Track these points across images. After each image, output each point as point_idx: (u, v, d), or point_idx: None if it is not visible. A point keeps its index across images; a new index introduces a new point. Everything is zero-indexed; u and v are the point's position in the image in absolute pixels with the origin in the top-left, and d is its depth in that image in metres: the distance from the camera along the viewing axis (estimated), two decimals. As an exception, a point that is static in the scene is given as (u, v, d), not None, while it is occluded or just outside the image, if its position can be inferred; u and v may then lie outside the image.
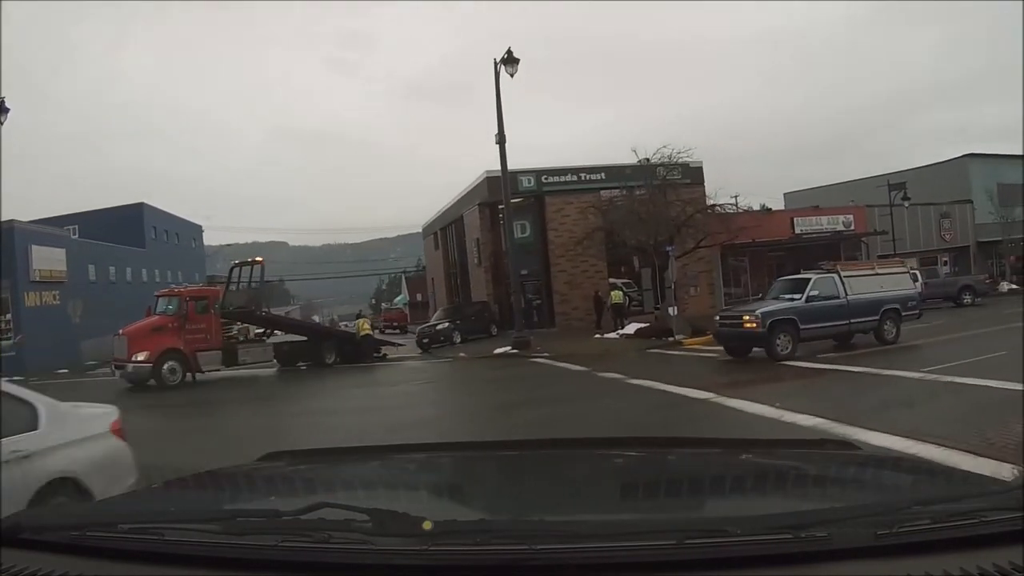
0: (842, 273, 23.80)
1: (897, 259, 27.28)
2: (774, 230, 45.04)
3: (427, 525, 1.99)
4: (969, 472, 3.33)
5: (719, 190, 38.83)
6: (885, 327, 23.79)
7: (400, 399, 21.12)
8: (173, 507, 2.76)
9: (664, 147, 36.85)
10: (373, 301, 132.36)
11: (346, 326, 43.17)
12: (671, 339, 30.56)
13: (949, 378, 15.35)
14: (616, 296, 38.29)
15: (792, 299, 22.94)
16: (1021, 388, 12.55)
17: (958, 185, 57.12)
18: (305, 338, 34.00)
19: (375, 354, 34.85)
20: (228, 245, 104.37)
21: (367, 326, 36.55)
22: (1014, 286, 51.00)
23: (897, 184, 51.09)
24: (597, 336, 34.62)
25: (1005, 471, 6.70)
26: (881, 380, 16.91)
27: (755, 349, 22.79)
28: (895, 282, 24.74)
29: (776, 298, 23.90)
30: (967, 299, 41.37)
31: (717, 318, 24.91)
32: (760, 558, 1.88)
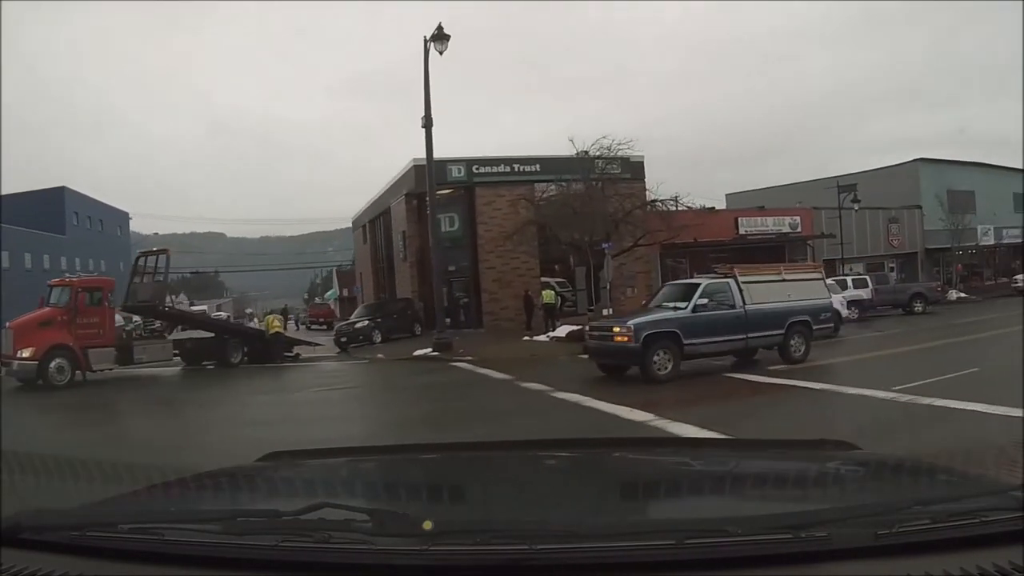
0: (740, 278, 20.44)
1: (811, 263, 23.81)
2: (717, 230, 42.96)
3: (427, 525, 2.00)
4: (969, 472, 2.94)
5: (660, 184, 36.45)
6: (792, 343, 20.62)
7: (294, 411, 18.58)
8: (173, 507, 2.78)
9: (603, 138, 34.74)
10: (306, 296, 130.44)
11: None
12: (605, 343, 28.24)
13: (928, 400, 13.40)
14: (548, 296, 36.19)
15: (677, 308, 19.60)
16: (1020, 416, 10.91)
17: (909, 190, 56.37)
18: (212, 335, 31.88)
19: (287, 354, 32.49)
20: (155, 234, 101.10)
21: (277, 323, 33.93)
22: (963, 295, 50.21)
23: (847, 186, 49.60)
24: (526, 338, 32.37)
25: (1005, 472, 5.27)
26: (848, 401, 14.64)
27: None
28: (806, 290, 21.57)
29: (659, 306, 20.57)
30: (918, 307, 40.18)
31: (587, 328, 21.62)
32: (760, 558, 1.88)
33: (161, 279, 30.77)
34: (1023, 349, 16.91)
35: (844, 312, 30.03)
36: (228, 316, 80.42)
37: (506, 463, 3.43)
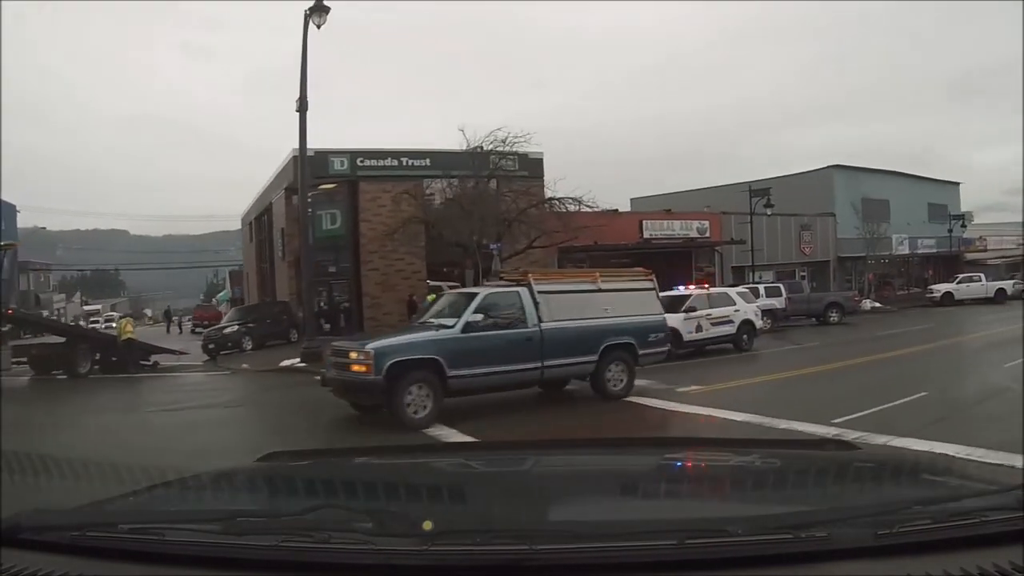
0: (536, 287, 15.31)
1: (641, 269, 17.53)
2: (620, 233, 40.12)
3: (427, 525, 2.02)
4: (969, 472, 3.10)
5: (558, 182, 33.57)
6: (609, 373, 15.79)
7: (95, 443, 14.54)
8: (173, 507, 2.77)
9: (498, 130, 31.67)
10: (202, 297, 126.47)
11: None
12: (483, 358, 25.26)
13: (882, 439, 10.52)
14: (432, 300, 32.57)
15: (443, 327, 14.54)
16: (1006, 464, 8.71)
17: (823, 197, 54.55)
18: (63, 340, 28.22)
19: (143, 362, 29.01)
20: (43, 228, 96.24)
21: (130, 328, 30.05)
22: (877, 304, 48.62)
23: (760, 190, 46.13)
24: (406, 348, 28.74)
25: (1005, 472, 5.23)
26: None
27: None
28: (633, 303, 16.59)
29: (424, 323, 15.65)
30: (833, 317, 37.90)
31: (328, 352, 15.61)
32: (760, 558, 1.89)
33: (7, 277, 27.43)
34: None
35: (758, 323, 27.54)
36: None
37: (506, 463, 3.40)
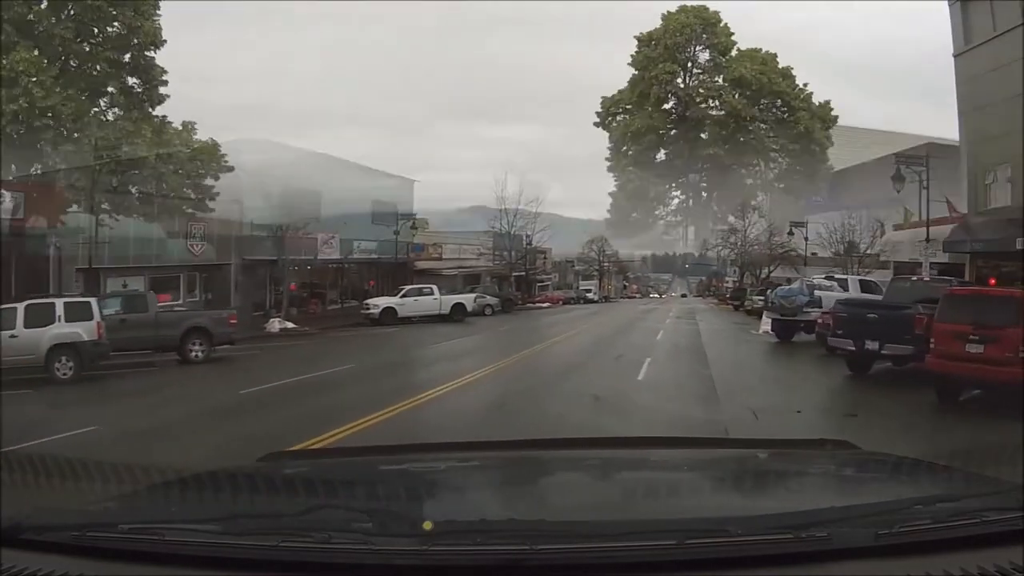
0: None
1: None
2: None
3: (427, 525, 2.00)
4: (969, 472, 2.92)
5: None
6: None
7: None
8: (173, 507, 2.72)
9: None
10: None
11: None
12: None
13: None
14: None
15: None
16: None
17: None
18: None
19: None
20: None
21: None
22: (289, 325, 37.06)
23: (107, 148, 28.06)
24: None
25: (1005, 472, 4.04)
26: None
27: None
28: None
29: None
30: (197, 351, 24.36)
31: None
32: (760, 558, 1.87)
33: None
34: None
35: None
36: None
37: (506, 463, 3.38)
